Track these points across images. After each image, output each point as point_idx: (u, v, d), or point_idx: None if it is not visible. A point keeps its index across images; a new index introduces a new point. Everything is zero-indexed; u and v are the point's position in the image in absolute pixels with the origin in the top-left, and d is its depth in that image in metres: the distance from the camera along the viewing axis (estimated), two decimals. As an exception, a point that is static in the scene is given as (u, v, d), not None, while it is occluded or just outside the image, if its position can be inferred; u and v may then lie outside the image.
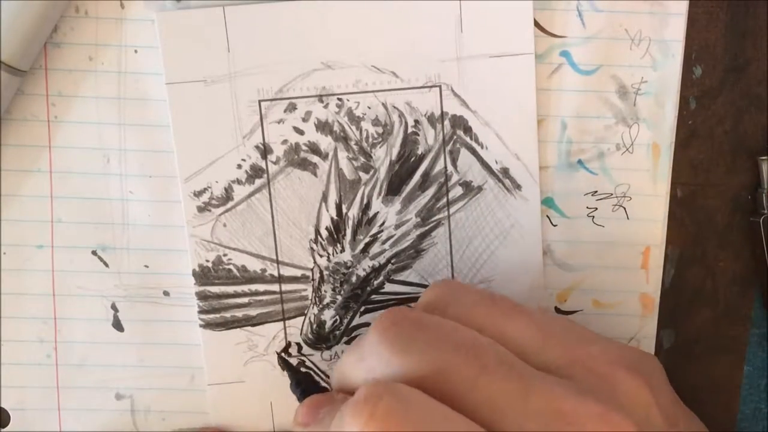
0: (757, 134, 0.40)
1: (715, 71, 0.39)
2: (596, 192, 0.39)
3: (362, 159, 0.38)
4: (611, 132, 0.39)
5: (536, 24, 0.38)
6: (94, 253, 0.39)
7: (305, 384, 0.36)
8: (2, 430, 0.40)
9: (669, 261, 0.40)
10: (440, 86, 0.38)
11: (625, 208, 0.39)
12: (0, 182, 0.38)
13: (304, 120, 0.38)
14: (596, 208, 0.39)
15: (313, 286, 0.39)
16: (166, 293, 0.40)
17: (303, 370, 0.38)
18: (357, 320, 0.40)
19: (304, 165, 0.38)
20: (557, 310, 0.40)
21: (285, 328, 0.40)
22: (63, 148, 0.38)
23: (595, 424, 0.26)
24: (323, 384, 0.39)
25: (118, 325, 0.40)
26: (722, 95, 0.39)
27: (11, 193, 0.39)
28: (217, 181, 0.38)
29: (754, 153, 0.40)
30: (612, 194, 0.39)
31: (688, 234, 0.40)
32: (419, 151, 0.38)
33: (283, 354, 0.39)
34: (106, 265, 0.39)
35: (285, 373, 0.38)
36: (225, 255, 0.39)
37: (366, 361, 0.29)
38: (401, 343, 0.28)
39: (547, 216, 0.39)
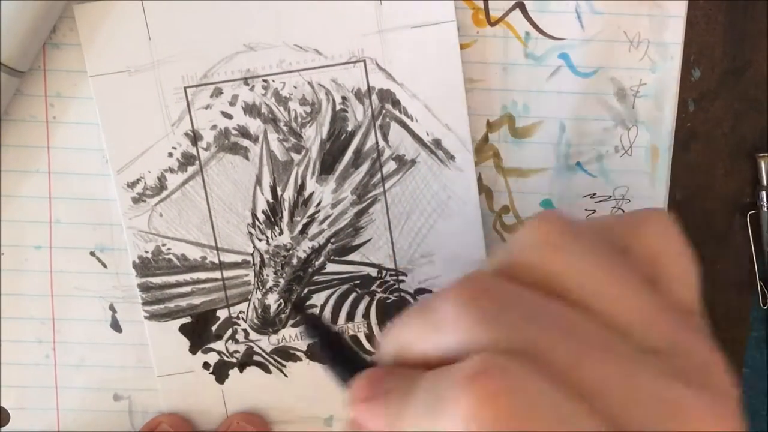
0: (756, 137, 0.40)
1: (714, 73, 0.39)
2: (595, 194, 0.39)
3: (293, 139, 0.38)
4: (610, 134, 0.39)
5: (535, 26, 0.38)
6: (92, 253, 0.39)
7: (337, 347, 0.29)
8: (2, 429, 0.40)
9: (667, 263, 0.40)
10: (364, 61, 0.37)
11: (623, 211, 0.39)
12: (-1, 183, 0.39)
13: (231, 104, 0.38)
14: (595, 211, 0.39)
15: (254, 270, 0.39)
16: (164, 294, 0.40)
17: (334, 329, 0.30)
18: None
19: (236, 149, 0.38)
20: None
21: (230, 315, 0.39)
22: (62, 148, 0.38)
23: (703, 414, 0.23)
24: (358, 351, 0.31)
25: (116, 326, 0.40)
26: (721, 97, 0.39)
27: (10, 193, 0.39)
28: (149, 171, 0.38)
29: (752, 155, 0.40)
30: (611, 196, 0.39)
31: (687, 237, 0.40)
32: (349, 128, 0.38)
33: (307, 311, 0.33)
34: (105, 266, 0.39)
35: (305, 332, 0.30)
36: (164, 245, 0.39)
37: (442, 333, 0.25)
38: (488, 318, 0.24)
39: (546, 218, 0.39)
